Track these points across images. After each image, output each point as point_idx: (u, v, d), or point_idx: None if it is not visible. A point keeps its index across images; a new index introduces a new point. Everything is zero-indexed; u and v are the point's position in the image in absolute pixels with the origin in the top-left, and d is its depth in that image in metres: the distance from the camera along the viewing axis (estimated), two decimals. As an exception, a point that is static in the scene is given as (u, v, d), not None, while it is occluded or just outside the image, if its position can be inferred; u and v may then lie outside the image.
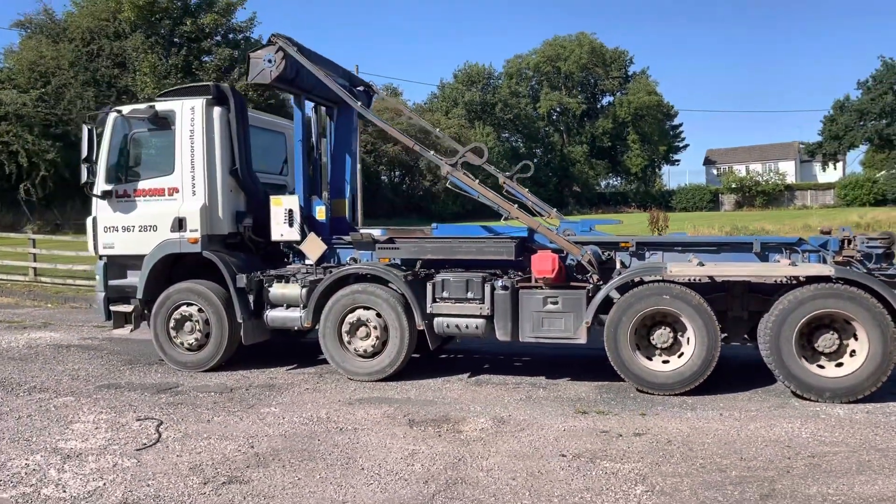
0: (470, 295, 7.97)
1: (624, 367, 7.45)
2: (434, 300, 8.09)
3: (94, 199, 9.08)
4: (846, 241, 7.57)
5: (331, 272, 8.42)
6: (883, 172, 74.79)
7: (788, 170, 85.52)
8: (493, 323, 7.92)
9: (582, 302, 7.64)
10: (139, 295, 8.83)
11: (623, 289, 7.56)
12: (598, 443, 5.89)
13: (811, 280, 7.17)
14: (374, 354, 8.20)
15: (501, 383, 8.05)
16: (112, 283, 9.10)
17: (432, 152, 8.73)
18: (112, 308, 9.11)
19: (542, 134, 68.87)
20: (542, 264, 7.67)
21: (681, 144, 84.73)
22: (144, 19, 38.07)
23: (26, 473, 5.46)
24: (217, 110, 8.77)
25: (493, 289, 7.88)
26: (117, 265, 9.13)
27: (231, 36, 40.80)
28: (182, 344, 8.78)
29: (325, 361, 9.07)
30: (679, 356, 7.45)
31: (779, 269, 7.33)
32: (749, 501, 4.62)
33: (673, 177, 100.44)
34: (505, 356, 9.51)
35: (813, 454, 5.46)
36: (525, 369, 8.77)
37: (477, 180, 8.30)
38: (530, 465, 5.40)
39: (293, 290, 8.56)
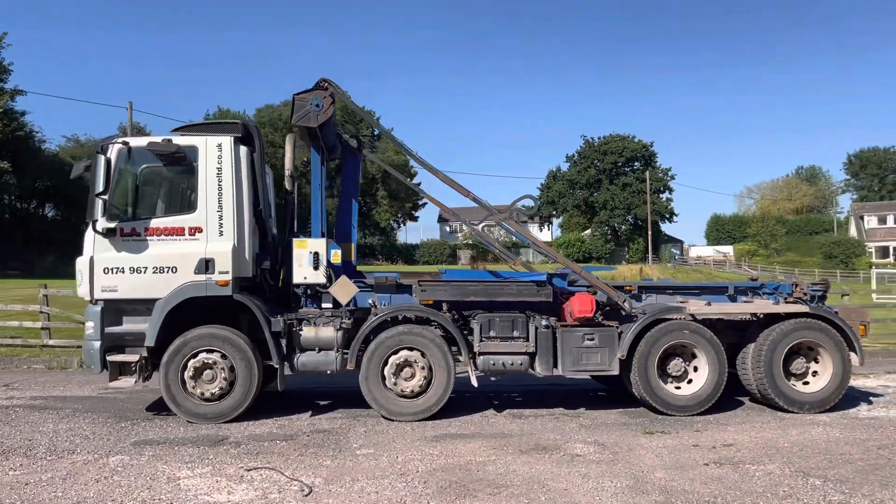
0: (516, 333, 8.62)
1: (652, 392, 8.60)
2: (481, 339, 8.59)
3: (91, 237, 8.10)
4: (795, 286, 9.59)
5: (376, 314, 8.51)
6: (587, 232, 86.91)
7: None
8: (534, 359, 8.63)
9: (614, 338, 8.67)
10: (149, 343, 8.02)
11: (648, 326, 8.73)
12: (710, 454, 6.91)
13: (777, 317, 8.96)
14: (418, 394, 8.41)
15: (537, 415, 8.74)
16: (109, 330, 8.14)
17: (485, 200, 9.27)
18: (109, 358, 8.13)
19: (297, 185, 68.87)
20: (583, 305, 8.60)
21: (420, 202, 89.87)
22: None
23: (233, 529, 5.06)
24: (244, 149, 8.47)
25: (536, 328, 8.62)
26: (113, 310, 8.19)
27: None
28: (201, 394, 8.14)
29: (337, 406, 9.09)
30: (688, 382, 8.81)
31: (770, 307, 9.06)
32: (904, 479, 6.02)
33: (410, 233, 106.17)
34: (494, 394, 10.14)
35: (880, 446, 7.09)
36: (531, 403, 9.47)
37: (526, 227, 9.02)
38: (696, 473, 6.25)
39: (327, 333, 8.48)
